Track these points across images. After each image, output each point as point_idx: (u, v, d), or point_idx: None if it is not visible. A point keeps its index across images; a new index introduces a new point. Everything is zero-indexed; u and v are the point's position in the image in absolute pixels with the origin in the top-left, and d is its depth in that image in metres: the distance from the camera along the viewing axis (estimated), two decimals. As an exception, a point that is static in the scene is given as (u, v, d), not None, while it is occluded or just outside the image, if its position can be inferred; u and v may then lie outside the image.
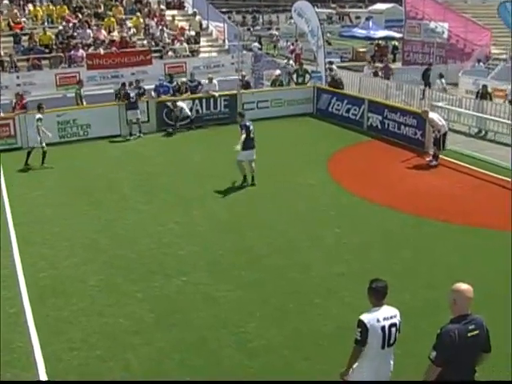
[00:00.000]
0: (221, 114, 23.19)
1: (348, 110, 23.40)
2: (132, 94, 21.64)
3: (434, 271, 11.84)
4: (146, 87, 23.03)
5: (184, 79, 23.75)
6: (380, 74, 29.84)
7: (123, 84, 22.27)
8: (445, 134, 18.77)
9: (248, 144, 16.29)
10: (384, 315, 6.76)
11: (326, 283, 11.45)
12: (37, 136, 18.22)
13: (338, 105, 23.87)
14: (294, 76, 26.28)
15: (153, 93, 22.75)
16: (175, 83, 23.37)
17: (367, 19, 46.22)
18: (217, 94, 23.19)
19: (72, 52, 24.83)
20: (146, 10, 29.55)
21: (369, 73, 28.39)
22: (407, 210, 15.11)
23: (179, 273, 11.75)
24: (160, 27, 27.95)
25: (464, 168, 18.27)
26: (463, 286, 6.33)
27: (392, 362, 7.05)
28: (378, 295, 6.80)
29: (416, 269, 12.01)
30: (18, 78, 23.07)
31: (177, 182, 17.08)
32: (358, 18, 55.59)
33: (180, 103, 22.45)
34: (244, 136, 16.13)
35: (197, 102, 22.98)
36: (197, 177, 17.40)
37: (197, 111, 22.98)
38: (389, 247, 13.03)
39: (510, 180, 16.98)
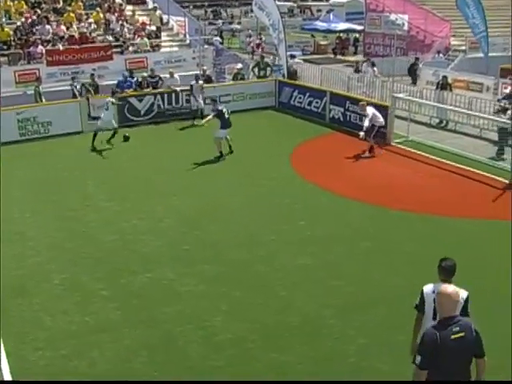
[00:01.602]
0: (183, 108, 23.13)
1: (310, 103, 23.53)
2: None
3: (395, 260, 12.00)
4: (109, 83, 22.94)
5: (145, 74, 23.65)
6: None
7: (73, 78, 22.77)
8: (378, 128, 19.09)
9: (225, 124, 18.44)
10: (449, 289, 6.59)
11: (291, 276, 11.54)
12: (111, 118, 20.01)
13: (300, 98, 23.98)
14: (256, 69, 26.34)
15: (116, 88, 22.58)
16: (136, 78, 23.26)
17: (328, 12, 46.33)
18: (178, 89, 23.12)
19: (31, 48, 24.54)
20: (106, 5, 29.26)
21: (368, 70, 28.15)
22: (369, 201, 15.26)
23: (144, 269, 11.73)
24: (120, 22, 27.74)
25: (425, 158, 18.51)
26: (449, 289, 6.17)
27: None
28: (445, 272, 7.02)
29: (379, 258, 12.16)
30: (-24, 75, 22.71)
31: (140, 177, 16.99)
32: (319, 10, 55.66)
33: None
34: (210, 117, 18.57)
35: (158, 97, 22.89)
36: (160, 172, 17.35)
37: (158, 106, 22.92)
38: (352, 238, 13.16)
39: (470, 169, 17.30)
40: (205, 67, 25.33)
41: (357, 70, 29.12)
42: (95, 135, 19.67)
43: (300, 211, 14.61)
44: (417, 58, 29.86)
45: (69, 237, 13.32)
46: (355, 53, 42.47)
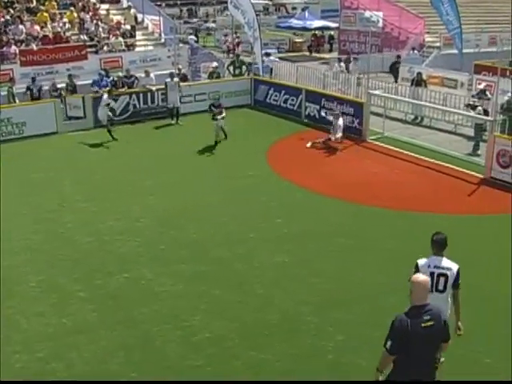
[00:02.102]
0: (158, 108, 23.04)
1: (286, 101, 23.58)
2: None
3: (373, 257, 12.06)
4: (83, 82, 22.81)
5: (121, 74, 23.53)
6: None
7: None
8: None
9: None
10: (436, 264, 7.65)
11: (269, 273, 11.55)
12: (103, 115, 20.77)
13: (276, 95, 24.01)
14: (231, 68, 26.34)
15: (92, 88, 22.44)
16: (111, 78, 23.15)
17: (303, 10, 46.43)
18: (154, 89, 23.02)
19: (4, 48, 24.29)
20: (79, 4, 29.03)
21: (338, 70, 28.19)
22: (346, 198, 15.33)
23: (121, 270, 11.68)
24: (95, 21, 27.55)
25: (401, 154, 18.63)
26: (421, 278, 6.37)
27: (446, 308, 7.63)
28: (437, 246, 7.68)
29: (356, 255, 12.22)
30: None
31: (116, 177, 16.92)
32: (294, 8, 55.72)
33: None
34: (224, 114, 19.83)
35: (134, 96, 22.76)
36: (135, 172, 17.25)
37: (134, 106, 22.80)
38: (329, 235, 13.20)
39: (445, 165, 17.45)
40: (180, 66, 25.26)
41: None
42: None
43: (277, 209, 14.63)
44: (398, 56, 29.40)
45: (45, 238, 13.22)
46: (330, 50, 42.59)
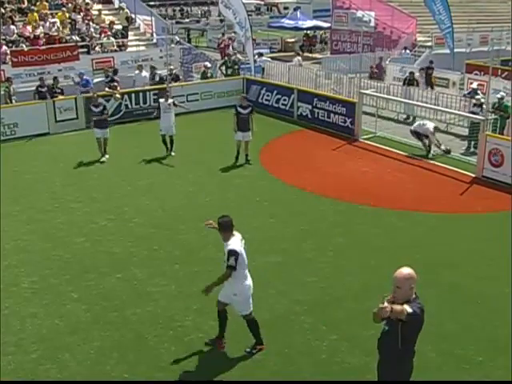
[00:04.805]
0: (150, 108, 22.97)
1: (278, 101, 23.60)
2: (97, 110, 18.51)
3: (366, 255, 12.07)
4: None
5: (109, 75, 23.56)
6: (375, 74, 28.22)
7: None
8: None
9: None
10: (239, 240, 8.84)
11: (262, 273, 11.49)
12: None
13: (268, 95, 24.03)
14: (223, 68, 26.35)
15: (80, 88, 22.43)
16: (110, 78, 23.21)
17: (295, 9, 46.35)
18: (146, 88, 22.97)
19: (-4, 49, 24.23)
20: (70, 4, 28.89)
21: (297, 64, 28.51)
22: (339, 197, 15.35)
23: (114, 270, 11.67)
24: (86, 22, 27.48)
25: (393, 154, 18.66)
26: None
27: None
28: (227, 228, 8.72)
29: (350, 254, 12.24)
30: None
31: (108, 178, 16.89)
32: (286, 8, 55.61)
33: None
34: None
35: (126, 97, 22.73)
36: (128, 173, 17.25)
37: (126, 106, 22.78)
38: (322, 234, 13.22)
39: (438, 164, 17.50)
40: (172, 66, 25.23)
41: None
42: None
43: (270, 208, 14.64)
44: (431, 61, 26.96)
45: (37, 239, 13.19)
46: (322, 50, 42.62)
